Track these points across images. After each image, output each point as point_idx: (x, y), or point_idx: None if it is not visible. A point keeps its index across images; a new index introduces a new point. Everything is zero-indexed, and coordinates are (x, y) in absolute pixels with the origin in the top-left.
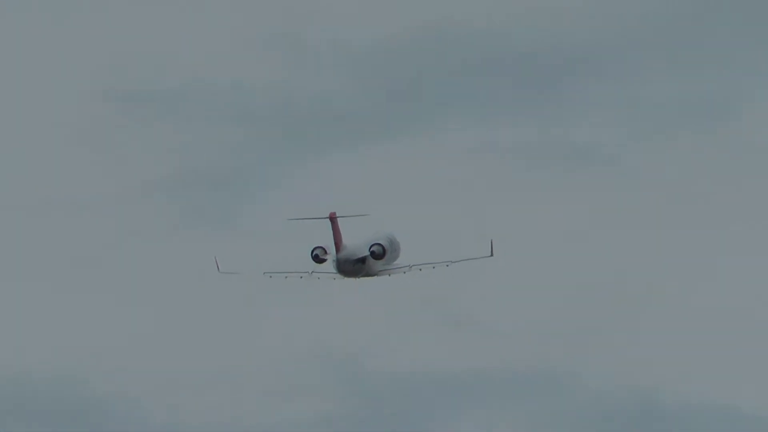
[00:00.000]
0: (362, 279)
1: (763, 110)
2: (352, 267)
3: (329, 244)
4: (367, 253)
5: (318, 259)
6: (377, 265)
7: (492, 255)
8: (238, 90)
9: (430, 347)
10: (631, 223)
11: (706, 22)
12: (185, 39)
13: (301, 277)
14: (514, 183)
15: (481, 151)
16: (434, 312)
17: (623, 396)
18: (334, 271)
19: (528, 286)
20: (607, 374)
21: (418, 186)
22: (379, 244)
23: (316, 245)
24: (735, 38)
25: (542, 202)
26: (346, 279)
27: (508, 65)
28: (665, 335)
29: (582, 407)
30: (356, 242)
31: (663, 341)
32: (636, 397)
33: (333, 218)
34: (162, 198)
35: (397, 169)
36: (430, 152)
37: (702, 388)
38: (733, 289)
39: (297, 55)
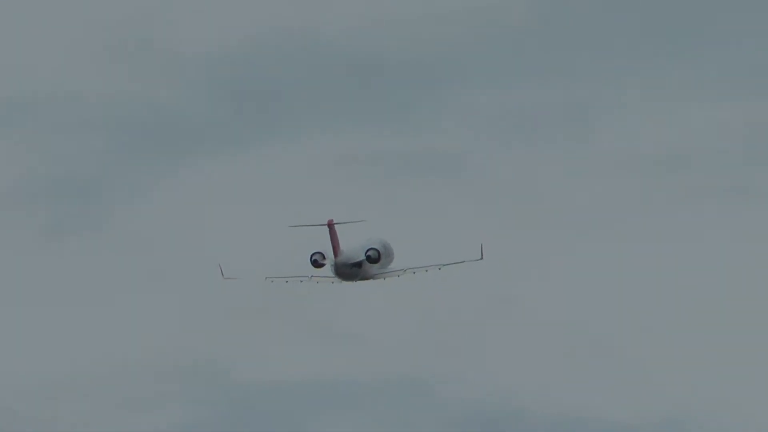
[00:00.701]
0: (359, 282)
1: (616, 117)
2: (350, 271)
3: (327, 249)
4: (363, 257)
5: (317, 264)
6: (373, 268)
7: (482, 258)
8: (81, 100)
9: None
10: (486, 227)
11: (561, 30)
12: (24, 48)
13: (301, 282)
14: (372, 190)
15: (335, 158)
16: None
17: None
18: (333, 275)
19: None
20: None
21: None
22: (374, 249)
23: (315, 251)
24: (587, 47)
25: (401, 209)
26: (344, 282)
27: (362, 73)
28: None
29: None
30: (352, 247)
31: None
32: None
33: (331, 225)
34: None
35: (251, 178)
36: (283, 160)
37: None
38: (582, 294)
39: (144, 65)
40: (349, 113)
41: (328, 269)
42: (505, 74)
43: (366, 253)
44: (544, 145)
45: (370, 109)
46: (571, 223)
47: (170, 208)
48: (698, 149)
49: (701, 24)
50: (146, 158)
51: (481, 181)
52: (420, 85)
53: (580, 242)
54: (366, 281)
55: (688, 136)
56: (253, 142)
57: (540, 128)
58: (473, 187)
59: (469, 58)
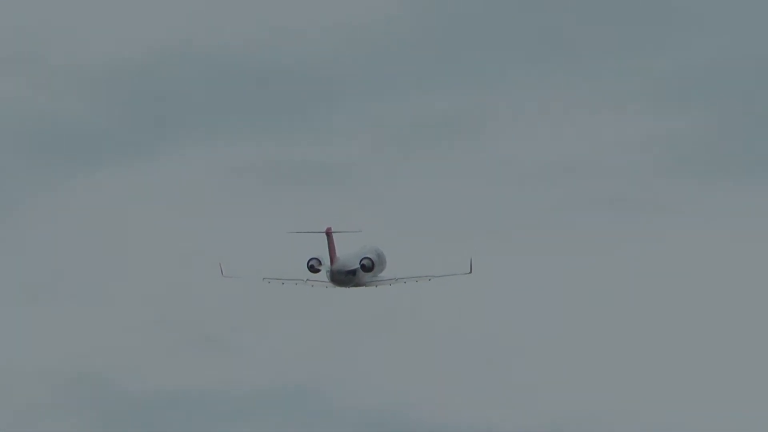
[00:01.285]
0: (352, 288)
1: (507, 126)
2: (344, 278)
3: (324, 255)
4: (357, 265)
5: (313, 269)
6: (366, 276)
7: (471, 272)
8: None
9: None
10: (382, 236)
11: (456, 39)
12: None
13: (296, 284)
14: (256, 201)
15: (221, 170)
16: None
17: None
18: (328, 280)
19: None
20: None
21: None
22: (368, 258)
23: (312, 256)
24: (482, 56)
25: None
26: (337, 288)
27: (256, 83)
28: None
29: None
30: (348, 255)
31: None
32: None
33: (329, 233)
34: None
35: (147, 188)
36: (181, 170)
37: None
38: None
39: (35, 77)
40: (244, 123)
41: (323, 274)
42: (399, 83)
43: (360, 261)
44: (439, 154)
45: (263, 118)
46: (464, 232)
47: (64, 219)
48: (593, 159)
49: (600, 33)
50: (40, 169)
51: (375, 190)
52: (315, 95)
53: (472, 250)
54: (359, 288)
55: (585, 146)
56: (147, 152)
57: (434, 137)
58: (367, 195)
59: (364, 68)
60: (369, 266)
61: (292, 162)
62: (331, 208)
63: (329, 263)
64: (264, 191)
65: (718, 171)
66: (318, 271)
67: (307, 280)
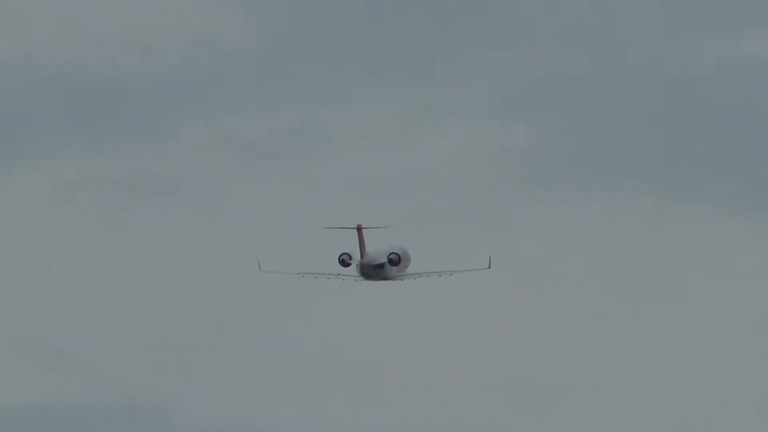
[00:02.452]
0: (380, 282)
1: (352, 139)
2: (373, 271)
3: (354, 250)
4: (385, 260)
5: (344, 263)
6: (393, 270)
7: (490, 267)
8: None
9: None
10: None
11: (290, 52)
12: None
13: (328, 278)
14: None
15: (68, 182)
16: None
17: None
18: (357, 274)
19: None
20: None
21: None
22: (395, 253)
23: (343, 251)
24: (320, 69)
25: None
26: (366, 281)
27: (89, 98)
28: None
29: None
30: (376, 250)
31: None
32: None
33: (359, 229)
34: None
35: None
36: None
37: None
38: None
39: None
40: (82, 138)
41: (353, 269)
42: (243, 96)
43: (388, 256)
44: (273, 169)
45: (104, 132)
46: (296, 246)
47: None
48: (438, 172)
49: (444, 46)
50: None
51: (210, 205)
52: (148, 110)
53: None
54: (386, 281)
55: (430, 159)
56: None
57: (270, 152)
58: (208, 209)
59: (207, 82)
60: (396, 260)
61: (132, 175)
62: (172, 221)
63: (359, 257)
64: (99, 204)
65: (562, 184)
66: (349, 265)
67: (338, 274)
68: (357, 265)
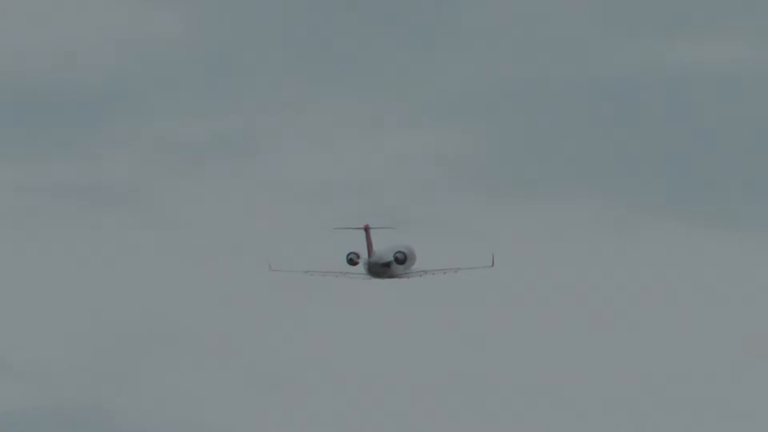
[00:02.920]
0: (386, 280)
1: (284, 145)
2: (380, 270)
3: (362, 250)
4: (391, 258)
5: (352, 262)
6: (399, 269)
7: (493, 265)
8: None
9: None
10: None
11: (228, 56)
12: None
13: (336, 276)
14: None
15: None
16: None
17: None
18: (365, 272)
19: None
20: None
21: None
22: (401, 252)
23: (351, 251)
24: (259, 73)
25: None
26: (373, 279)
27: (20, 105)
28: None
29: None
30: (382, 249)
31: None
32: None
33: (366, 229)
34: None
35: None
36: None
37: None
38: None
39: None
40: (17, 143)
41: (361, 267)
42: (174, 102)
43: (394, 255)
44: (214, 175)
45: (36, 138)
46: (237, 249)
47: None
48: (371, 178)
49: (379, 49)
50: None
51: (149, 211)
52: (86, 115)
53: (245, 269)
54: (392, 279)
55: (363, 165)
56: None
57: (210, 157)
58: (143, 216)
59: (139, 87)
60: (402, 259)
61: (68, 182)
62: (103, 228)
63: (367, 256)
64: (30, 213)
65: (498, 189)
66: (356, 264)
67: (346, 272)
68: (364, 264)
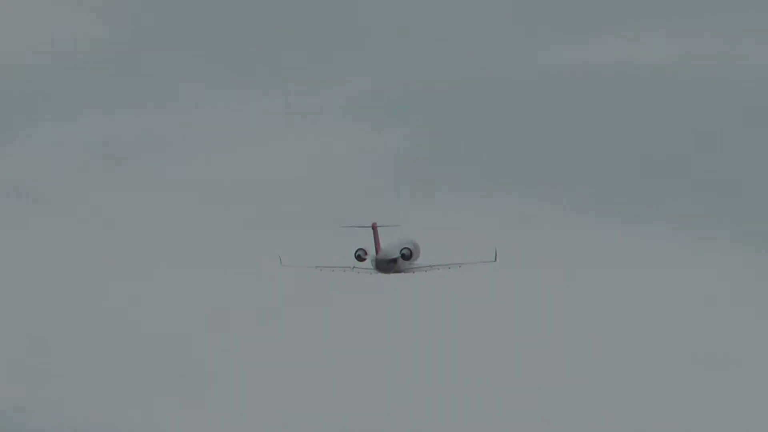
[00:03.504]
0: (393, 275)
1: (203, 144)
2: (387, 265)
3: (369, 246)
4: (398, 254)
5: (360, 258)
6: (405, 264)
7: (496, 260)
8: None
9: None
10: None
11: (140, 58)
12: None
13: (344, 271)
14: None
15: None
16: None
17: None
18: (372, 267)
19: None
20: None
21: None
22: (407, 248)
23: (359, 247)
24: (169, 74)
25: None
26: (380, 274)
27: None
28: None
29: None
30: (389, 245)
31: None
32: None
33: (374, 227)
34: None
35: None
36: None
37: None
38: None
39: None
40: None
41: (368, 263)
42: (84, 103)
43: (401, 251)
44: (125, 175)
45: None
46: (149, 250)
47: None
48: (291, 177)
49: (297, 48)
50: None
51: (66, 211)
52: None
53: (158, 268)
54: (399, 274)
55: (284, 164)
56: None
57: (124, 157)
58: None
59: (50, 88)
60: (408, 255)
61: None
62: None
63: (374, 253)
64: None
65: (424, 187)
66: (364, 259)
67: (354, 267)
68: (372, 260)
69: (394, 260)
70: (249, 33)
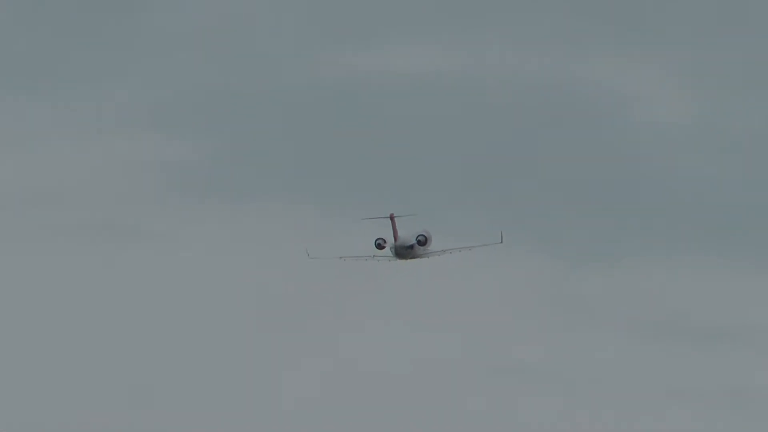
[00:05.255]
0: (410, 260)
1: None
2: (405, 252)
3: (388, 235)
4: (414, 241)
5: (380, 246)
6: (420, 250)
7: (502, 242)
8: None
9: None
10: None
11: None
12: None
13: (366, 260)
14: None
15: None
16: None
17: None
18: (391, 254)
19: None
20: None
21: None
22: (422, 235)
23: (378, 236)
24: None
25: None
26: (399, 261)
27: None
28: None
29: None
30: (405, 234)
31: None
32: None
33: (392, 217)
34: None
35: None
36: None
37: None
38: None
39: None
40: None
41: (387, 250)
42: None
43: (417, 238)
44: None
45: None
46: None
47: None
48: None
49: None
50: None
51: None
52: None
53: None
54: (415, 259)
55: (59, 173)
56: None
57: None
58: None
59: None
60: (423, 241)
61: None
62: None
63: (393, 241)
64: None
65: (213, 196)
66: (383, 248)
67: (374, 255)
68: (391, 248)
69: (411, 246)
70: (38, 41)
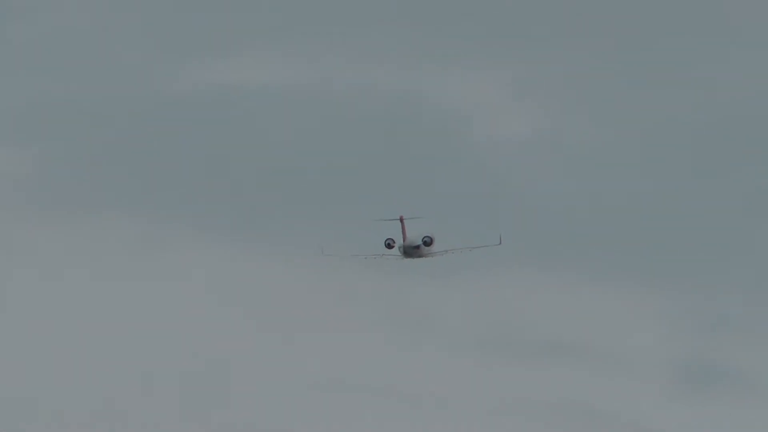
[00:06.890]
0: (416, 260)
1: None
2: (412, 251)
3: (397, 236)
4: (420, 242)
5: (389, 246)
6: (425, 250)
7: (500, 243)
8: None
9: None
10: None
11: None
12: None
13: (375, 258)
14: None
15: None
16: None
17: None
18: (400, 254)
19: None
20: None
21: None
22: (428, 236)
23: (388, 237)
24: None
25: None
26: (406, 260)
27: None
28: None
29: None
30: (412, 235)
31: None
32: None
33: (401, 219)
34: None
35: None
36: None
37: None
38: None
39: None
40: None
41: (396, 250)
42: None
43: (423, 239)
44: None
45: None
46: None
47: None
48: None
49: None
50: None
51: None
52: None
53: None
54: (421, 258)
55: None
56: None
57: None
58: None
59: None
60: (429, 242)
61: None
62: None
63: (401, 241)
64: None
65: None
66: (392, 247)
67: (383, 254)
68: (399, 248)
69: (418, 247)
70: None
